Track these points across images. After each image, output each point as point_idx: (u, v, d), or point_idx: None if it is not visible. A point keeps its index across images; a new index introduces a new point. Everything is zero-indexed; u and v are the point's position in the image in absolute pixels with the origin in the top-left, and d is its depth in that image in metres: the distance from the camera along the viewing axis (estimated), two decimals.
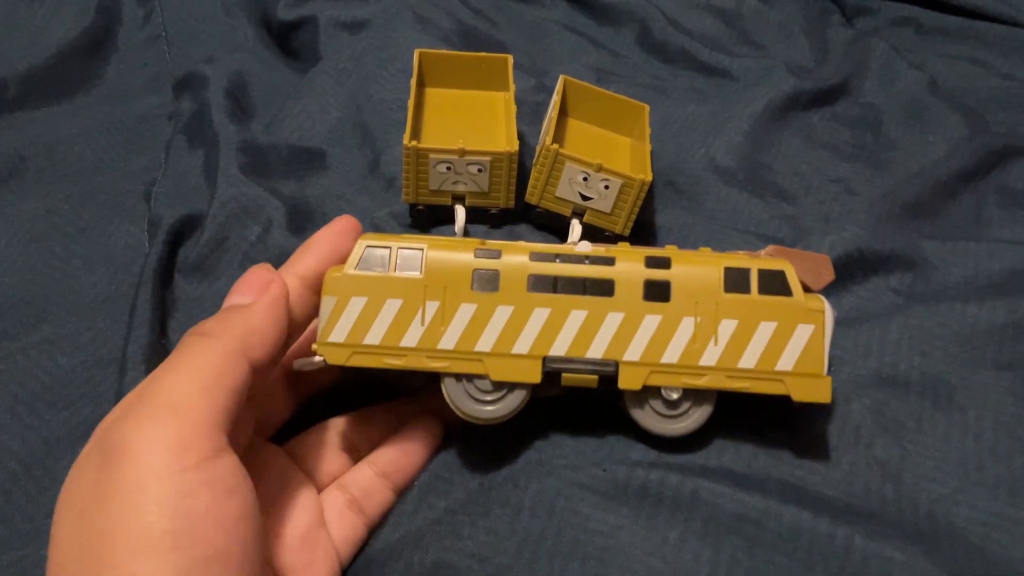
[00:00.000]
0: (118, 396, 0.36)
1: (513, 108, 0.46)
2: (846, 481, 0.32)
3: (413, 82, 0.46)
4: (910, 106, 0.55)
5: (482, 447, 0.34)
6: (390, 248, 0.31)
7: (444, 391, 0.32)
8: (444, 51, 0.49)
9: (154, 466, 0.23)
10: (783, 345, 0.30)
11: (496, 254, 0.31)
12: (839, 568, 0.29)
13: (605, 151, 0.47)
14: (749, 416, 0.33)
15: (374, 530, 0.33)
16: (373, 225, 0.45)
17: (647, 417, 0.32)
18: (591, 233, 0.43)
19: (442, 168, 0.42)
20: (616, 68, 0.60)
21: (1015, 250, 0.43)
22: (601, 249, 0.32)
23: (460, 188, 0.43)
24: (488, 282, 0.31)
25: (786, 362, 0.31)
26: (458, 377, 0.31)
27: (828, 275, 0.32)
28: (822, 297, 0.31)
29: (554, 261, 0.31)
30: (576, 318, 0.31)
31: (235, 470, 0.25)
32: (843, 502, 0.31)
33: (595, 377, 0.31)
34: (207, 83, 0.53)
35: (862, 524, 0.30)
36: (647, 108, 0.47)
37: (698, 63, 0.60)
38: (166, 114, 0.56)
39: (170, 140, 0.52)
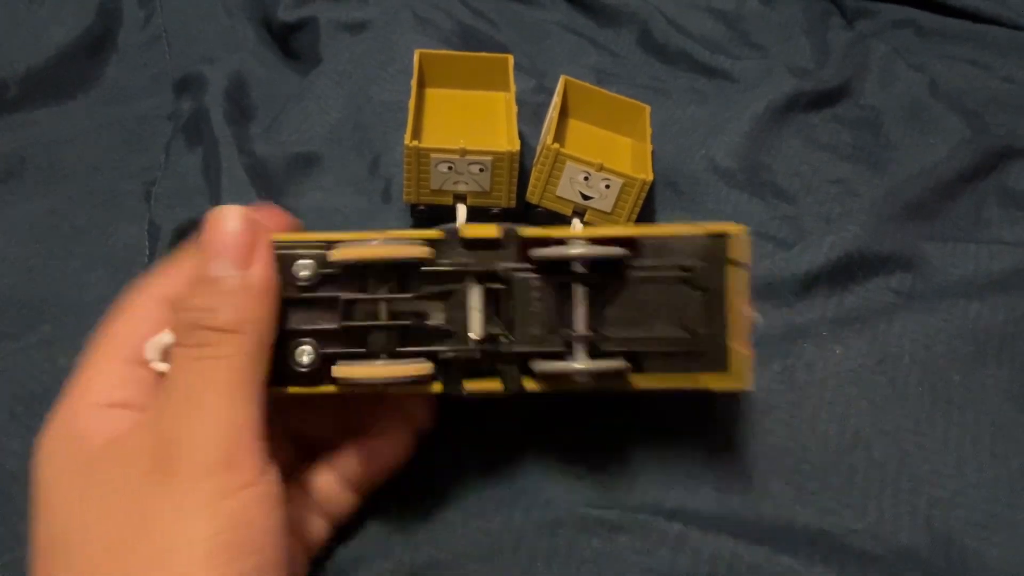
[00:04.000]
0: None
1: (514, 108, 0.46)
2: (847, 485, 0.32)
3: (413, 83, 0.46)
4: (910, 108, 0.55)
5: (479, 450, 0.34)
6: None
7: None
8: (444, 52, 0.49)
9: (207, 490, 0.23)
10: None
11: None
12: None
13: (606, 151, 0.47)
14: (751, 421, 0.33)
15: (357, 526, 0.32)
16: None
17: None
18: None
19: (443, 168, 0.42)
20: (616, 69, 0.61)
21: (1015, 251, 0.43)
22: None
23: (461, 188, 0.43)
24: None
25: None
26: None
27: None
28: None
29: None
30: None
31: (278, 479, 0.24)
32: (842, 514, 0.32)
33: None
34: (207, 84, 0.53)
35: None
36: (648, 109, 0.47)
37: (699, 64, 0.60)
38: (166, 114, 0.56)
39: (170, 140, 0.52)
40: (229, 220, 0.25)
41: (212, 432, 0.23)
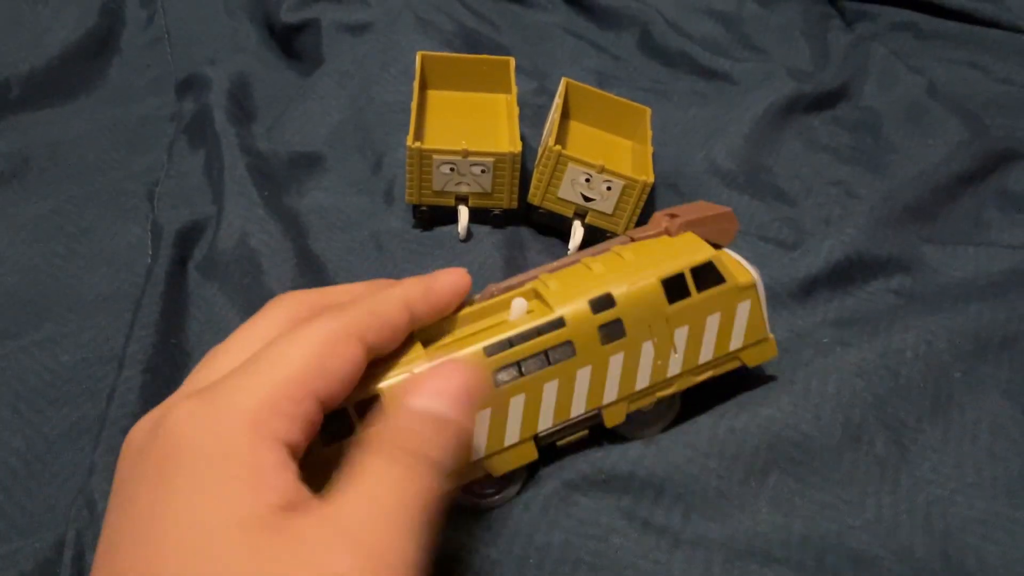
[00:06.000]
0: (112, 393, 0.36)
1: (515, 110, 0.46)
2: (847, 481, 0.32)
3: (415, 84, 0.46)
4: (910, 110, 0.55)
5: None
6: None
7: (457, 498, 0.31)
8: (446, 54, 0.49)
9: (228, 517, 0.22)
10: (730, 328, 0.32)
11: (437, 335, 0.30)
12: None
13: (607, 153, 0.47)
14: (753, 414, 0.33)
15: None
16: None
17: (631, 429, 0.33)
18: (592, 234, 0.44)
19: (445, 169, 0.43)
20: (617, 71, 0.61)
21: (1014, 253, 0.43)
22: (524, 289, 0.31)
23: (463, 189, 0.44)
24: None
25: (736, 341, 0.32)
26: (465, 488, 0.31)
27: (733, 227, 0.33)
28: (748, 268, 0.32)
29: (509, 348, 0.30)
30: (550, 390, 0.30)
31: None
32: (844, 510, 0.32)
33: (586, 431, 0.32)
34: (209, 85, 0.54)
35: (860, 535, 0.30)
36: (648, 111, 0.47)
37: (699, 67, 0.60)
38: (168, 115, 0.56)
39: (172, 141, 0.53)
40: (466, 371, 0.27)
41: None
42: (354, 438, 0.26)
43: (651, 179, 0.42)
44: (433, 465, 0.24)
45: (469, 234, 0.45)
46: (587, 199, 0.43)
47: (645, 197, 0.42)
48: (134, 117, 0.56)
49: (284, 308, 0.28)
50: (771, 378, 0.35)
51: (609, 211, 0.43)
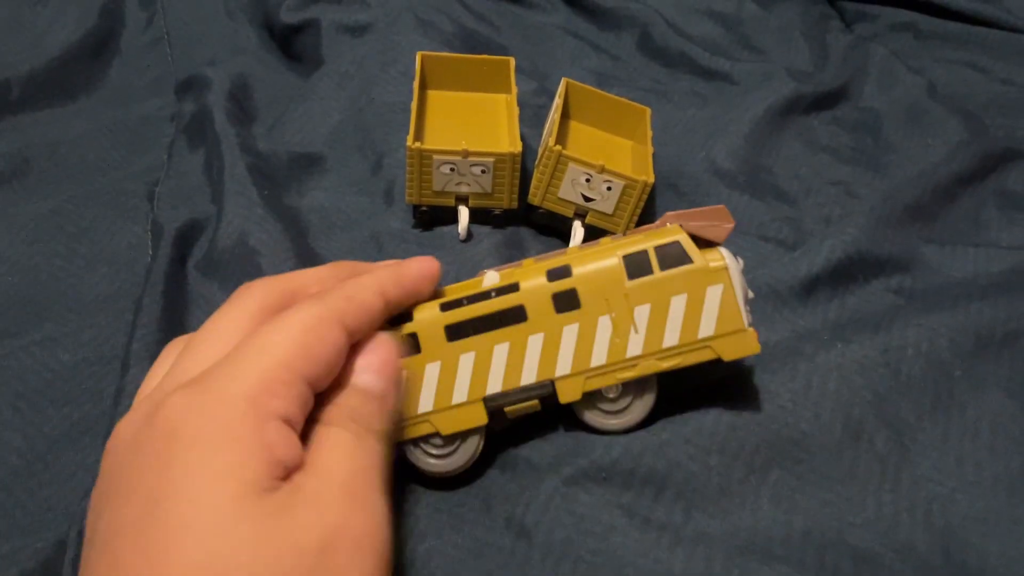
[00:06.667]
0: (119, 392, 0.36)
1: (515, 110, 0.46)
2: (847, 478, 0.32)
3: (415, 84, 0.46)
4: (909, 110, 0.55)
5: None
6: None
7: (409, 457, 0.32)
8: (446, 54, 0.49)
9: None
10: (699, 313, 0.31)
11: (407, 317, 0.31)
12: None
13: (607, 153, 0.47)
14: (754, 411, 0.33)
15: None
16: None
17: (598, 417, 0.33)
18: (592, 234, 0.44)
19: (446, 169, 0.43)
20: (617, 72, 0.61)
21: (1014, 253, 0.43)
22: (506, 270, 0.33)
23: (463, 189, 0.44)
24: (409, 346, 0.31)
25: (707, 328, 0.31)
26: (413, 442, 0.32)
27: (728, 223, 0.32)
28: (722, 251, 0.31)
29: (463, 305, 0.31)
30: (501, 352, 0.31)
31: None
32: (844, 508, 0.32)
33: (536, 402, 0.32)
34: (209, 85, 0.54)
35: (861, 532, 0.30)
36: (648, 111, 0.47)
37: (698, 67, 0.60)
38: (168, 115, 0.56)
39: (172, 141, 0.53)
40: (392, 348, 0.29)
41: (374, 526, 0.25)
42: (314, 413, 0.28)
43: (651, 179, 0.42)
44: (379, 434, 0.27)
45: (469, 234, 0.45)
46: (587, 199, 0.43)
47: (645, 197, 0.42)
48: (134, 117, 0.56)
49: (254, 296, 0.29)
50: (772, 375, 0.35)
51: (609, 211, 0.43)
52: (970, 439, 0.34)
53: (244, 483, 0.22)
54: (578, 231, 0.44)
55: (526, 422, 0.33)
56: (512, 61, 0.48)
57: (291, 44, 0.62)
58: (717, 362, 0.31)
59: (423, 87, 0.48)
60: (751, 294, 0.32)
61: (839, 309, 0.40)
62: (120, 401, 0.36)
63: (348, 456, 0.26)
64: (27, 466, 0.35)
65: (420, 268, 0.32)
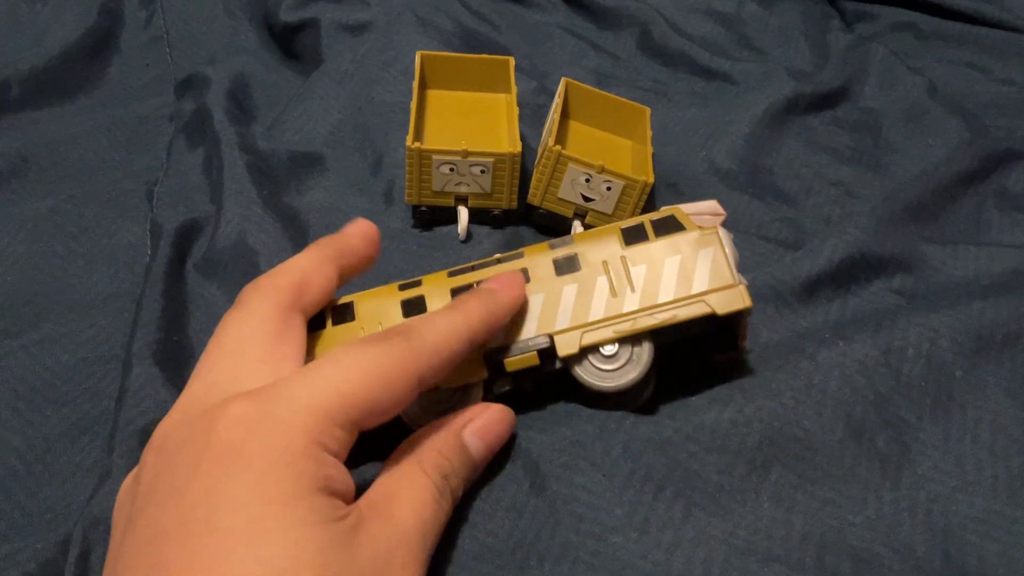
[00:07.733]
0: (122, 393, 0.36)
1: (515, 110, 0.46)
2: (848, 477, 0.32)
3: (415, 84, 0.46)
4: (910, 110, 0.55)
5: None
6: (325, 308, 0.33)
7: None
8: (446, 53, 0.49)
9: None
10: (692, 271, 0.32)
11: (416, 283, 0.33)
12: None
13: (606, 153, 0.47)
14: (756, 409, 0.33)
15: None
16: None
17: (595, 377, 0.33)
18: None
19: (445, 169, 0.43)
20: (617, 72, 0.61)
21: (1015, 253, 0.43)
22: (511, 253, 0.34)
23: (463, 189, 0.44)
24: (416, 307, 0.32)
25: (700, 283, 0.32)
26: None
27: (719, 214, 0.34)
28: (721, 231, 0.33)
29: (470, 271, 0.33)
30: None
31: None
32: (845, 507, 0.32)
33: (534, 354, 0.32)
34: (209, 84, 0.54)
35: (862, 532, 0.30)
36: (648, 111, 0.47)
37: (699, 67, 0.60)
38: (168, 115, 0.56)
39: (172, 140, 0.53)
40: (505, 425, 0.31)
41: None
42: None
43: (651, 179, 0.42)
44: (456, 499, 0.28)
45: (469, 235, 0.45)
46: (587, 199, 0.43)
47: (645, 197, 0.42)
48: (134, 117, 0.56)
49: (266, 298, 0.29)
50: (773, 374, 0.35)
51: (609, 211, 0.43)
52: (971, 439, 0.34)
53: (306, 510, 0.23)
54: (578, 231, 0.44)
55: (524, 422, 0.33)
56: (512, 61, 0.48)
57: (291, 43, 0.62)
58: (717, 345, 0.33)
59: (423, 86, 0.48)
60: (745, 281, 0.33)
61: (840, 309, 0.40)
62: (124, 402, 0.36)
63: (423, 507, 0.26)
64: (26, 467, 0.35)
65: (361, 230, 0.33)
